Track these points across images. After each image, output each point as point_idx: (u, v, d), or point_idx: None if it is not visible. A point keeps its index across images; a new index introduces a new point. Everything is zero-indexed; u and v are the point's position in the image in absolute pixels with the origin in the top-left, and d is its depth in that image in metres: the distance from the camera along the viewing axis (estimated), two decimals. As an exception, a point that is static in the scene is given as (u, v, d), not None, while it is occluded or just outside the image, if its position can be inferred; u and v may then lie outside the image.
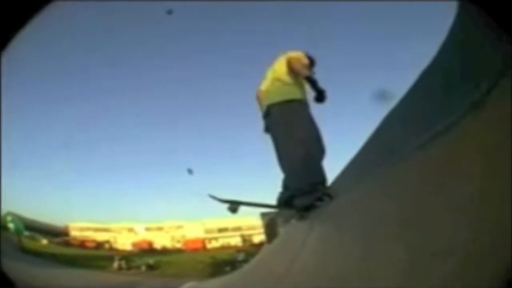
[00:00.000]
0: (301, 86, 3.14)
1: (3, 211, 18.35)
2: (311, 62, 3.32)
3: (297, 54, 3.21)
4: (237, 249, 19.58)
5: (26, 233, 19.62)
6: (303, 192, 2.79)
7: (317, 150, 2.97)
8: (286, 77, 3.12)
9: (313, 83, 3.01)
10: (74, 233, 23.51)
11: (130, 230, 23.96)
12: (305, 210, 2.81)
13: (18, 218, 19.44)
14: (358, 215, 2.01)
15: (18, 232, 18.80)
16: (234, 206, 2.97)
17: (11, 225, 18.82)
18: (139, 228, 24.13)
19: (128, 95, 41.32)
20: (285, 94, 3.08)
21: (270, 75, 3.26)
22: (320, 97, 3.02)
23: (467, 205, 1.15)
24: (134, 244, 22.80)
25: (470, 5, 2.04)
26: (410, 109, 3.41)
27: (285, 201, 2.94)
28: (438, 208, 1.31)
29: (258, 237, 20.57)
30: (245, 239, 23.41)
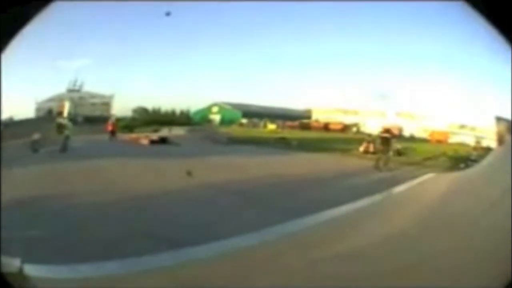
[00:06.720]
0: None
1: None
2: None
3: None
4: (472, 148, 18.95)
5: (244, 120, 16.29)
6: None
7: None
8: None
9: None
10: (316, 116, 20.52)
11: (381, 114, 23.26)
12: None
13: (230, 107, 16.00)
14: None
15: (227, 121, 15.58)
16: None
17: (215, 117, 15.83)
18: (391, 113, 23.27)
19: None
20: None
21: None
22: None
23: None
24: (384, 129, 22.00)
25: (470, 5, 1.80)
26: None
27: None
28: None
29: (486, 141, 18.43)
30: (477, 140, 21.47)
